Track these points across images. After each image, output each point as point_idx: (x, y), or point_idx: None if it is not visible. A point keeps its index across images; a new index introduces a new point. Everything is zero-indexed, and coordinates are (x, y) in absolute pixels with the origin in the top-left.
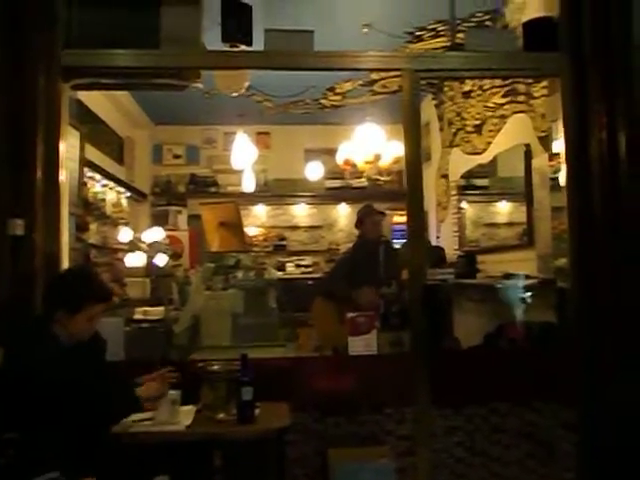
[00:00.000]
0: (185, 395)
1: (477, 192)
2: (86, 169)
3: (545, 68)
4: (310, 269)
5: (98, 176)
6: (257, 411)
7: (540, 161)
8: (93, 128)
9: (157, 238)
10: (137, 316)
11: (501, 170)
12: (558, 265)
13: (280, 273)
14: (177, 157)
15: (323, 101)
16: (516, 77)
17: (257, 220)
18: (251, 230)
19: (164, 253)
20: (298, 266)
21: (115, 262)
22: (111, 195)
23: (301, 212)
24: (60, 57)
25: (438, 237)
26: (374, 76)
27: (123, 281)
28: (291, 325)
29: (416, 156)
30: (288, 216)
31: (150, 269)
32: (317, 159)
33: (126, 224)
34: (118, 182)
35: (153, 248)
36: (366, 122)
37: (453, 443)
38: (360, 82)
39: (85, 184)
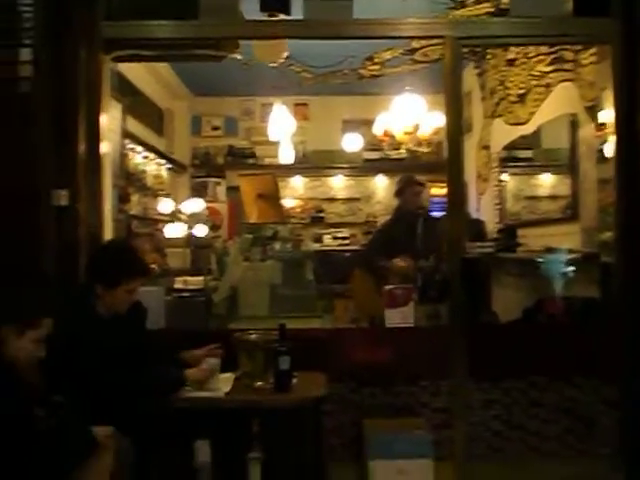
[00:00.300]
0: (224, 363)
1: (520, 164)
2: (127, 141)
3: (595, 34)
4: (347, 241)
5: (139, 148)
6: (294, 380)
7: (587, 131)
8: (134, 100)
9: (196, 209)
10: (177, 285)
11: (545, 141)
12: (603, 239)
13: (317, 245)
14: (215, 129)
15: (362, 71)
16: (564, 44)
17: (295, 192)
18: (289, 202)
19: (204, 224)
20: (335, 238)
21: (156, 233)
22: (151, 166)
23: (339, 184)
24: (100, 29)
25: (478, 210)
26: (414, 44)
27: (164, 251)
28: (328, 297)
29: (457, 127)
30: (326, 188)
31: (190, 240)
32: (355, 130)
33: (166, 195)
34: (158, 154)
35: (193, 219)
36: (405, 92)
37: (490, 416)
38: (400, 51)
39: (126, 156)
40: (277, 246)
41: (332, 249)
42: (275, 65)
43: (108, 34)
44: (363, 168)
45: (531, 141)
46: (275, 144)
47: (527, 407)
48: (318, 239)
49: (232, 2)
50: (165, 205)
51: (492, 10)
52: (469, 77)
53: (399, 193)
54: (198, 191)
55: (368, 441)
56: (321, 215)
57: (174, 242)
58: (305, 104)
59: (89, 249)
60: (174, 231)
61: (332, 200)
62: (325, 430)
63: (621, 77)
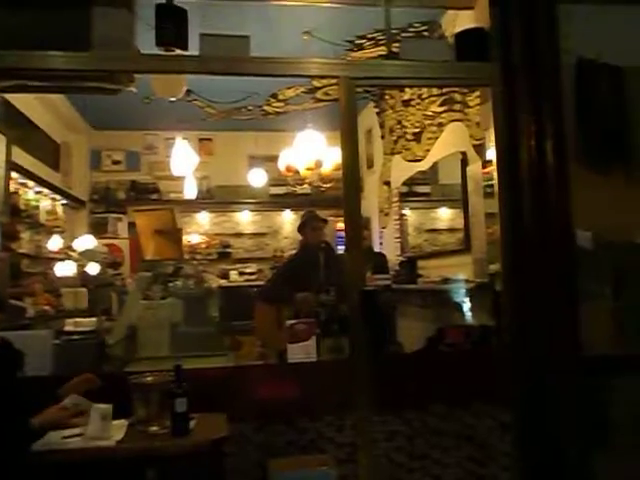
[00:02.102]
0: (120, 409)
1: (419, 199)
2: (17, 175)
3: (476, 77)
4: (254, 276)
5: (31, 183)
6: (193, 423)
7: (474, 168)
8: (25, 133)
9: (89, 246)
10: (68, 328)
11: (442, 177)
12: (494, 269)
13: (224, 281)
14: (117, 163)
15: (266, 107)
16: (449, 86)
17: (200, 227)
18: (194, 238)
19: (98, 261)
20: (242, 274)
21: (49, 272)
22: (45, 202)
23: (245, 219)
24: None
25: (381, 243)
26: (316, 83)
27: (58, 291)
28: (233, 333)
29: (353, 163)
30: (232, 223)
31: (87, 279)
32: (261, 166)
33: (61, 232)
34: (53, 189)
35: (85, 256)
36: (307, 129)
37: (393, 447)
38: (302, 89)
39: (16, 192)
40: (179, 283)
41: (238, 285)
42: (175, 100)
43: None
44: (269, 203)
45: (429, 177)
46: (179, 179)
47: (429, 436)
48: (225, 275)
49: (126, 35)
50: (55, 242)
51: (385, 53)
52: (370, 116)
53: (301, 229)
54: (98, 227)
55: None
56: (228, 250)
57: (70, 281)
58: (210, 139)
59: None
60: (66, 270)
61: (239, 235)
62: (227, 473)
63: (501, 117)
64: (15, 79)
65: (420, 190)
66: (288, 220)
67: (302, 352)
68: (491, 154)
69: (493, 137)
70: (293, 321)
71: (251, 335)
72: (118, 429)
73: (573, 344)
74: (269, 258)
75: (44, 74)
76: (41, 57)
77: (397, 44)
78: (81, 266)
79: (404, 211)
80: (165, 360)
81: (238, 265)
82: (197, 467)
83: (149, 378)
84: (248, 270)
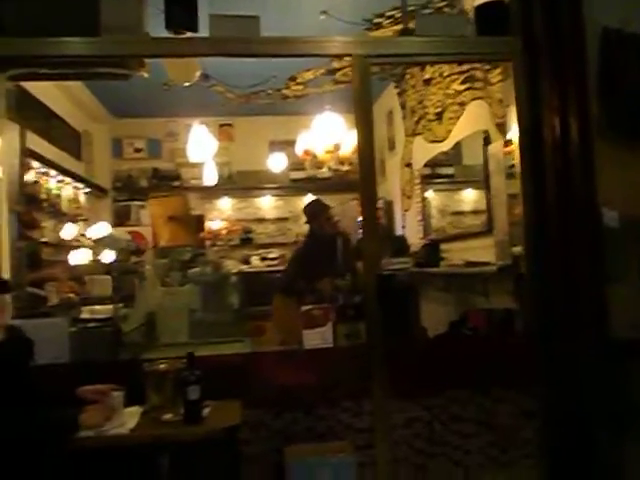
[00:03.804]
0: (136, 395)
1: (442, 180)
2: (39, 165)
3: (497, 52)
4: (276, 262)
5: (53, 172)
6: (207, 410)
7: (495, 147)
8: (46, 122)
9: (111, 234)
10: (84, 315)
11: (466, 158)
12: (517, 251)
13: (245, 267)
14: (138, 151)
15: (285, 91)
16: (468, 61)
17: (222, 213)
18: (216, 224)
19: (121, 249)
20: (264, 259)
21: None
22: (68, 191)
23: (267, 204)
24: None
25: (404, 226)
26: (335, 64)
27: (82, 279)
28: (255, 319)
29: (369, 144)
30: (254, 209)
31: (111, 266)
32: (282, 150)
33: (84, 220)
34: (75, 177)
35: (106, 244)
36: (325, 111)
37: (412, 434)
38: (322, 71)
39: (37, 181)
40: (197, 269)
41: (260, 270)
42: (191, 85)
43: (1, 51)
44: (291, 188)
45: (453, 158)
46: (200, 165)
47: (449, 422)
48: (247, 261)
49: (135, 19)
50: (72, 230)
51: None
52: (391, 97)
53: (312, 220)
54: (121, 215)
55: (290, 468)
56: (250, 236)
57: (94, 269)
58: (230, 124)
59: None
60: (83, 258)
61: (261, 221)
62: (244, 460)
63: (523, 94)
64: (26, 67)
65: (443, 172)
66: (304, 213)
67: (318, 338)
68: (513, 132)
69: (515, 115)
70: (309, 306)
71: (270, 321)
72: (131, 416)
73: (600, 327)
74: (291, 243)
75: (54, 61)
76: (51, 43)
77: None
78: (95, 254)
79: (427, 193)
80: (184, 347)
81: (261, 250)
82: (211, 454)
83: (162, 365)
84: (271, 255)
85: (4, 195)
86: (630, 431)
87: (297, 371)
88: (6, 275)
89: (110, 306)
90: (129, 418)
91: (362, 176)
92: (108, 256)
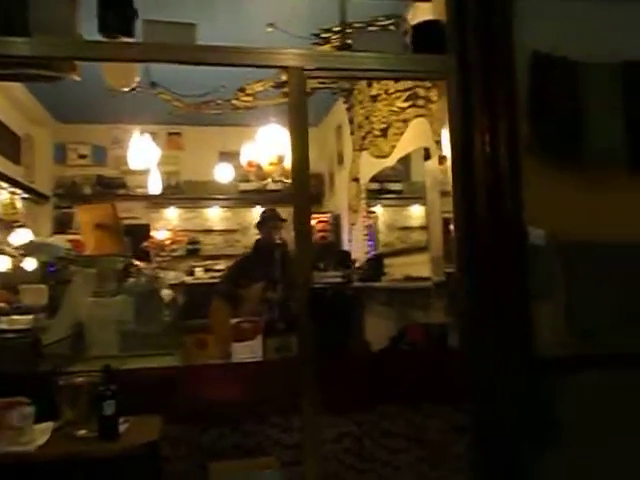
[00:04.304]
0: (52, 411)
1: (390, 196)
2: None
3: (432, 70)
4: (220, 274)
5: None
6: (125, 426)
7: (431, 164)
8: None
9: (26, 240)
10: (2, 326)
11: (414, 174)
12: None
13: (189, 278)
14: (83, 157)
15: (235, 102)
16: (404, 78)
17: (168, 223)
18: (161, 234)
19: (56, 257)
20: (207, 270)
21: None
22: (4, 196)
23: (215, 215)
24: None
25: (350, 240)
26: (284, 77)
27: (16, 288)
28: (194, 332)
29: (302, 158)
30: (201, 219)
31: (46, 274)
32: (231, 161)
33: (21, 226)
34: (12, 182)
35: (40, 251)
36: (270, 123)
37: (342, 450)
38: (271, 83)
39: None
40: (131, 280)
41: (203, 282)
42: (133, 91)
43: None
44: (239, 200)
45: (401, 174)
46: (146, 173)
47: (379, 438)
48: (191, 272)
49: (66, 20)
50: (20, 238)
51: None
52: (340, 112)
53: (259, 226)
54: (62, 223)
55: None
56: (196, 247)
57: (29, 277)
58: (178, 133)
59: None
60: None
61: (208, 232)
62: (168, 477)
63: (456, 111)
64: None
65: (392, 187)
66: (258, 216)
67: (247, 351)
68: (446, 149)
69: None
70: (238, 319)
71: (204, 333)
72: (42, 433)
73: (525, 343)
74: (239, 255)
75: None
76: None
77: None
78: (18, 261)
79: (376, 208)
80: (112, 359)
81: (208, 262)
82: (128, 472)
83: (77, 379)
84: (217, 267)
85: None
86: (552, 446)
87: (225, 385)
88: None
89: (30, 316)
90: (39, 434)
91: (295, 188)
92: (29, 265)
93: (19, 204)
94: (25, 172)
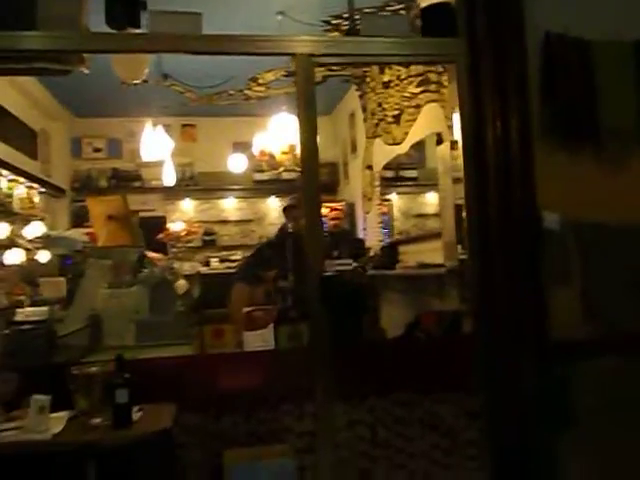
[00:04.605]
0: (68, 401)
1: (405, 183)
2: None
3: (441, 54)
4: (235, 264)
5: (5, 171)
6: (139, 414)
7: (443, 149)
8: None
9: (38, 233)
10: (18, 317)
11: (429, 161)
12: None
13: (204, 269)
14: (98, 150)
15: (247, 92)
16: (413, 63)
17: (184, 215)
18: (177, 225)
19: (73, 250)
20: (223, 261)
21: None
22: (21, 191)
23: (230, 206)
24: None
25: (365, 228)
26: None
27: (36, 281)
28: (210, 322)
29: (311, 146)
30: (217, 210)
31: (63, 267)
32: (245, 152)
33: (39, 220)
34: (30, 177)
35: (57, 245)
36: (281, 112)
37: (356, 437)
38: (282, 72)
39: None
40: (146, 271)
41: (218, 272)
42: (144, 83)
43: None
44: (254, 190)
45: (416, 160)
46: (161, 166)
47: (392, 424)
48: (207, 263)
49: (73, 13)
50: (34, 230)
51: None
52: (353, 99)
53: (284, 212)
54: (79, 216)
55: (229, 472)
56: (212, 238)
57: (47, 270)
58: (192, 125)
59: None
60: (16, 258)
61: (224, 222)
62: (182, 465)
63: (466, 95)
64: None
65: (407, 174)
66: (273, 206)
67: (259, 340)
68: (457, 134)
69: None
70: (250, 308)
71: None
72: (57, 422)
73: (540, 328)
74: (255, 245)
75: None
76: None
77: None
78: (31, 254)
79: (391, 196)
80: (128, 350)
81: (224, 252)
82: (142, 459)
83: (92, 368)
84: (233, 257)
85: None
86: (567, 432)
87: (238, 374)
88: None
89: (45, 308)
90: (55, 423)
91: (304, 174)
92: (43, 257)
93: (37, 198)
94: (42, 167)
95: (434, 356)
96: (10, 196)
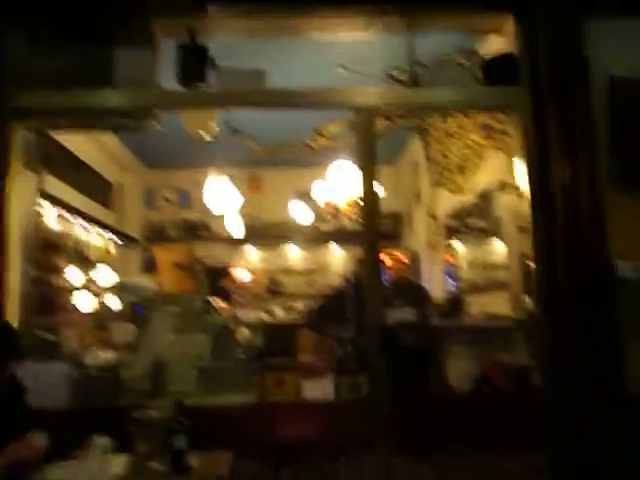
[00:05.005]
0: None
1: (472, 232)
2: (66, 212)
3: (504, 103)
4: (299, 313)
5: (81, 220)
6: (196, 460)
7: (508, 198)
8: (77, 173)
9: (110, 280)
10: (87, 361)
11: (496, 210)
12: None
13: (268, 317)
14: (169, 201)
15: (311, 143)
16: (474, 112)
17: (249, 264)
18: (242, 274)
19: (143, 297)
20: (286, 310)
21: (100, 306)
22: (95, 239)
23: (295, 255)
24: (11, 98)
25: (430, 278)
26: None
27: (106, 326)
28: (272, 371)
29: (372, 196)
30: (281, 260)
31: (133, 314)
32: (309, 202)
33: (110, 268)
34: (104, 226)
35: (128, 291)
36: (344, 162)
37: None
38: (346, 124)
39: (63, 228)
40: (210, 318)
41: (282, 322)
42: (217, 137)
43: (20, 103)
44: (318, 239)
45: (483, 209)
46: (228, 216)
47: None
48: (270, 311)
49: (147, 72)
50: (105, 278)
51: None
52: (416, 149)
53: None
54: (150, 264)
55: None
56: (276, 287)
57: (118, 316)
58: (258, 176)
59: None
60: (88, 303)
61: (287, 272)
62: None
63: (530, 142)
64: (43, 117)
65: (473, 223)
66: (337, 256)
67: (318, 390)
68: (524, 183)
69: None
70: (310, 357)
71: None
72: (117, 464)
73: (617, 382)
74: (319, 295)
75: (69, 112)
76: (66, 96)
77: None
78: (102, 300)
79: (456, 245)
80: (190, 395)
81: (287, 302)
82: None
83: (153, 413)
84: (297, 307)
85: (15, 238)
86: None
87: (296, 423)
88: (13, 318)
89: (113, 352)
90: (115, 465)
91: (364, 223)
92: (114, 303)
93: (110, 247)
94: (116, 216)
95: (501, 410)
96: (86, 244)
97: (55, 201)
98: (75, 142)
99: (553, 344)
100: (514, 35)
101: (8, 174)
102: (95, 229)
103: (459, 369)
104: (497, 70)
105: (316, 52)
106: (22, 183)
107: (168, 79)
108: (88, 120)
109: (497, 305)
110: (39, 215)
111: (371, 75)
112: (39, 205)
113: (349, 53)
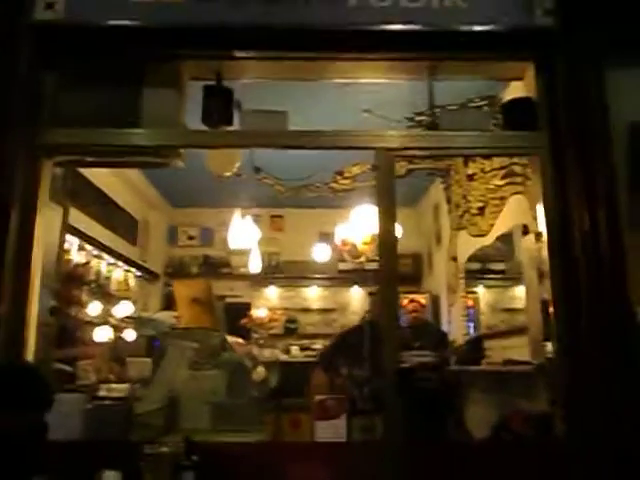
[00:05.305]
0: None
1: (491, 276)
2: (91, 247)
3: (523, 147)
4: (316, 353)
5: (106, 255)
6: None
7: (528, 241)
8: (105, 210)
9: (127, 313)
10: (101, 393)
11: (517, 253)
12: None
13: (285, 356)
14: (191, 238)
15: (334, 185)
16: (494, 155)
17: (268, 302)
18: (261, 312)
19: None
20: (303, 349)
21: (117, 340)
22: (118, 273)
23: (313, 294)
24: (41, 135)
25: (449, 321)
26: None
27: (124, 360)
28: (288, 411)
29: (390, 237)
30: (300, 298)
31: (151, 348)
32: (330, 242)
33: (131, 302)
34: (128, 262)
35: (147, 326)
36: (364, 203)
37: None
38: (368, 166)
39: (88, 262)
40: (226, 355)
41: (299, 360)
42: (240, 176)
43: (49, 140)
44: (338, 279)
45: (504, 253)
46: (249, 254)
47: None
48: (287, 350)
49: (173, 112)
50: (124, 310)
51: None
52: (437, 191)
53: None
54: (170, 299)
55: None
56: (294, 326)
57: (135, 350)
58: (280, 216)
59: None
60: (105, 336)
61: (306, 311)
62: None
63: (550, 187)
64: (71, 154)
65: (494, 267)
66: (356, 296)
67: (331, 431)
68: (543, 226)
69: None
70: (323, 397)
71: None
72: None
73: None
74: (336, 334)
75: (97, 149)
76: (94, 134)
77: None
78: (119, 333)
79: (477, 288)
80: (202, 432)
81: (305, 341)
82: None
83: (163, 449)
84: (314, 346)
85: (38, 272)
86: None
87: (307, 464)
88: (31, 350)
89: (126, 385)
90: None
91: (381, 266)
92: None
93: (132, 281)
94: (140, 252)
95: (522, 459)
96: (108, 278)
97: (80, 235)
98: (103, 179)
99: (573, 390)
100: (534, 82)
101: (36, 207)
102: (118, 263)
103: (477, 415)
104: (517, 114)
105: (339, 95)
106: (48, 216)
107: (194, 120)
108: (117, 158)
109: (518, 351)
110: (63, 248)
111: (393, 119)
112: (64, 238)
113: (372, 96)
